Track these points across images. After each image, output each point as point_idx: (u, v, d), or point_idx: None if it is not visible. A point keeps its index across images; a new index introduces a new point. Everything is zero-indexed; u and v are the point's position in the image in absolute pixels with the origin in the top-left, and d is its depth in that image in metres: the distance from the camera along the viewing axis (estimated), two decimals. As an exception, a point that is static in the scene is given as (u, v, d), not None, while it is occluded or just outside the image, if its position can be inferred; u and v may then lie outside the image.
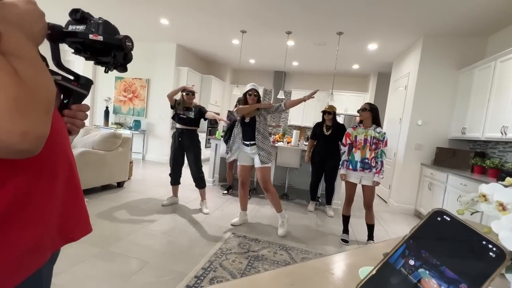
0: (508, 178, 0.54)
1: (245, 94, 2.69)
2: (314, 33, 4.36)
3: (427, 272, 0.27)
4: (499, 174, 2.80)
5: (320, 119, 3.67)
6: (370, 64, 5.76)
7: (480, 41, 3.74)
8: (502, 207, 0.46)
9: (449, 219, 0.30)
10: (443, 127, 3.92)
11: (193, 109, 3.07)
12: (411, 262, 0.29)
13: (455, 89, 3.83)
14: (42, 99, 0.39)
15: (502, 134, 2.77)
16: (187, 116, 3.06)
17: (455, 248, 0.28)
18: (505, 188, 0.50)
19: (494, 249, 0.26)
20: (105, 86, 6.33)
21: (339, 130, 3.47)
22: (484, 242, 0.27)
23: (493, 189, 0.50)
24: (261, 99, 2.76)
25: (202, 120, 3.15)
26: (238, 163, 2.79)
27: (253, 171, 2.88)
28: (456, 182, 3.00)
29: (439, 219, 0.31)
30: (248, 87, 2.68)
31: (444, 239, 0.29)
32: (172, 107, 3.11)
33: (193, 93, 3.09)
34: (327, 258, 0.70)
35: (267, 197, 2.79)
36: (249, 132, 2.66)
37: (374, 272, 0.29)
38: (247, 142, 2.69)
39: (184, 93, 3.06)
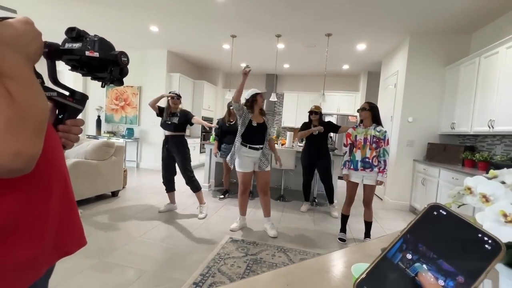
0: (491, 171, 0.56)
1: (253, 96, 2.63)
2: (303, 35, 4.42)
3: (424, 265, 0.27)
4: (489, 167, 2.86)
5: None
6: (360, 64, 5.85)
7: (464, 38, 3.84)
8: (485, 198, 0.47)
9: (445, 213, 0.30)
10: (433, 123, 4.00)
11: (178, 114, 3.05)
12: (409, 256, 0.29)
13: (442, 85, 3.92)
14: (34, 120, 0.39)
15: (490, 127, 2.84)
16: (172, 121, 3.05)
17: (452, 242, 0.28)
18: (488, 180, 0.52)
19: (490, 241, 0.26)
20: (96, 95, 6.24)
21: (326, 127, 3.46)
22: (480, 235, 0.27)
23: (477, 182, 0.51)
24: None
25: (197, 125, 3.15)
26: (241, 171, 2.67)
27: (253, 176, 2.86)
28: (448, 176, 3.06)
29: (435, 213, 0.31)
30: (252, 92, 2.64)
31: (440, 233, 0.29)
32: (158, 115, 3.14)
33: (177, 97, 3.08)
34: (323, 257, 0.71)
35: (263, 200, 2.79)
36: (258, 136, 2.63)
37: (371, 267, 0.29)
38: (257, 146, 2.63)
39: (169, 98, 3.05)
